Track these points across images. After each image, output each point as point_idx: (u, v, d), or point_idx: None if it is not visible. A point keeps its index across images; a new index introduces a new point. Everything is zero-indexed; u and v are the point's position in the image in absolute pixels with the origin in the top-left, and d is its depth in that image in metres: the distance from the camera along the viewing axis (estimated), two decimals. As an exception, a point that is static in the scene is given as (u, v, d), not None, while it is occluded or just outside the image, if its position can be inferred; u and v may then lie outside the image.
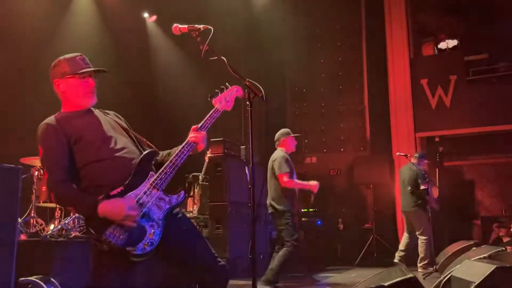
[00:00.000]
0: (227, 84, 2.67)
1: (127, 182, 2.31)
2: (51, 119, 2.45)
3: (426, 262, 6.46)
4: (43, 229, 5.19)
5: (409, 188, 6.70)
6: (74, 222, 5.06)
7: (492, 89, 9.13)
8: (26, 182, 5.42)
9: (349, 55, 10.33)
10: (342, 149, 10.05)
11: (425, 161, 7.18)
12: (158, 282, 4.67)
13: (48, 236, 4.76)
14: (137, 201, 2.26)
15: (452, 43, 9.88)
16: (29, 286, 3.59)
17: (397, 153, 7.52)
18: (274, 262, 5.09)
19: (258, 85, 2.60)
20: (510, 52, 9.17)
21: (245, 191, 6.73)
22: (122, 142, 2.48)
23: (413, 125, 9.39)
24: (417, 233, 6.63)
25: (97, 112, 2.60)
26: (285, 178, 5.11)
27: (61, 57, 2.52)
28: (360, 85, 10.18)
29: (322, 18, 10.09)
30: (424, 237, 6.52)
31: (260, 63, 9.84)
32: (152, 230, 2.26)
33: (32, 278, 3.60)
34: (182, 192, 2.42)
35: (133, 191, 2.30)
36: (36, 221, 5.21)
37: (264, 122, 10.30)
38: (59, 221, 5.29)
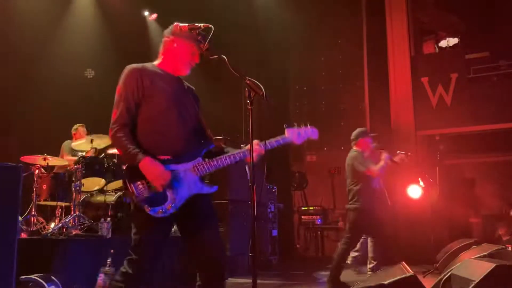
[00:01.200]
0: (308, 124, 2.87)
1: (177, 155, 2.52)
2: (140, 64, 2.61)
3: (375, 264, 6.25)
4: (44, 228, 5.20)
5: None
6: (74, 221, 5.07)
7: (493, 87, 9.11)
8: (27, 180, 5.44)
9: (350, 53, 10.32)
10: (342, 147, 10.04)
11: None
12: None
13: (48, 235, 4.77)
14: (174, 174, 2.47)
15: (453, 41, 9.87)
16: (30, 284, 3.60)
17: (398, 152, 7.50)
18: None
19: (259, 83, 2.60)
20: (510, 50, 9.15)
21: (246, 190, 6.73)
22: (189, 118, 2.64)
23: (413, 123, 9.38)
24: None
25: (181, 80, 2.76)
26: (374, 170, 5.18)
27: (193, 24, 2.63)
28: (360, 83, 10.17)
29: (323, 16, 10.07)
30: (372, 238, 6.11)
31: (260, 61, 9.84)
32: (172, 203, 2.47)
33: (33, 276, 3.61)
34: (216, 186, 2.63)
35: (177, 165, 2.51)
36: (37, 220, 5.22)
37: (264, 121, 10.29)
38: (60, 220, 5.29)
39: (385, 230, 5.44)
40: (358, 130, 5.65)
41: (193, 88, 2.85)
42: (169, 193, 2.46)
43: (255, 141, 2.70)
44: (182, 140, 2.57)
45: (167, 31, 2.72)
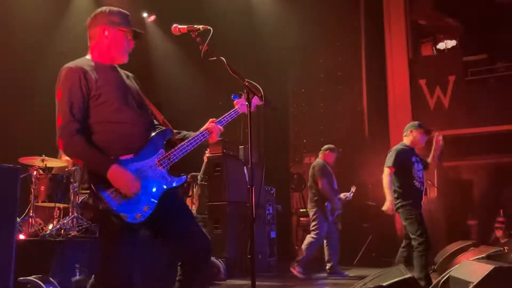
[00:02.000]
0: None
1: (138, 151, 2.36)
2: (75, 63, 2.39)
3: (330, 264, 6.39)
4: (42, 229, 5.19)
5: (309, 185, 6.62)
6: (73, 222, 5.06)
7: (491, 89, 9.14)
8: (25, 181, 5.43)
9: (348, 55, 10.33)
10: (340, 149, 10.05)
11: (330, 153, 6.83)
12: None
13: (46, 236, 4.76)
14: (141, 173, 2.32)
15: (450, 43, 9.90)
16: (28, 286, 3.60)
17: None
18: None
19: (257, 85, 2.60)
20: (508, 52, 9.18)
21: (244, 191, 6.73)
22: (139, 109, 2.49)
23: (411, 126, 9.38)
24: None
25: (120, 71, 2.58)
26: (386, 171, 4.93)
27: (112, 8, 2.52)
28: (359, 85, 10.17)
29: (321, 18, 10.09)
30: (313, 235, 6.41)
31: (259, 64, 9.84)
32: (147, 204, 2.32)
33: (31, 277, 3.61)
34: (184, 176, 2.49)
35: (140, 162, 2.36)
36: (35, 221, 5.21)
37: (263, 122, 10.31)
38: (58, 221, 5.29)
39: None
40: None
41: (130, 73, 2.67)
42: (142, 195, 2.31)
43: (211, 120, 2.67)
44: (139, 135, 2.41)
45: (97, 19, 2.52)
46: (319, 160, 6.79)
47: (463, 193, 9.87)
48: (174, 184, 2.44)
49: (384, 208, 4.88)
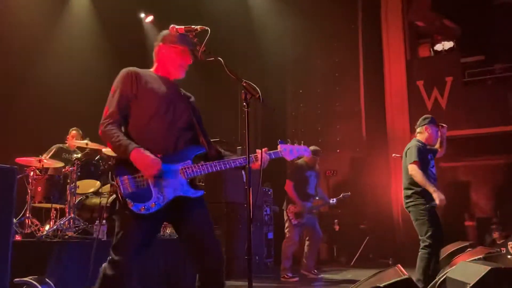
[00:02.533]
0: (302, 142, 2.87)
1: (167, 155, 2.52)
2: (134, 68, 2.65)
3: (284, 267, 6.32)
4: (38, 230, 5.17)
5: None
6: (69, 223, 5.04)
7: (488, 90, 9.17)
8: (22, 182, 5.41)
9: (346, 56, 10.35)
10: (338, 150, 10.07)
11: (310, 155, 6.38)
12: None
13: (43, 237, 4.74)
14: (161, 173, 2.47)
15: (448, 44, 9.93)
16: (24, 287, 3.58)
17: (393, 155, 7.52)
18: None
19: (255, 85, 2.60)
20: (505, 54, 9.22)
21: (241, 192, 6.73)
22: (180, 121, 2.64)
23: (409, 126, 9.42)
24: None
25: (177, 87, 2.78)
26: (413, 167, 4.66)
27: (177, 26, 2.69)
28: (356, 86, 10.19)
29: (319, 20, 10.11)
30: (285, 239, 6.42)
31: (257, 64, 9.85)
32: (156, 201, 2.44)
33: (27, 278, 3.59)
34: (201, 191, 2.60)
35: (164, 164, 2.49)
36: (31, 222, 5.19)
37: (260, 123, 10.31)
38: (55, 222, 5.27)
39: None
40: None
41: (191, 96, 2.87)
42: (154, 191, 2.45)
43: (264, 149, 2.73)
44: (171, 141, 2.58)
45: (159, 38, 2.79)
46: (299, 161, 6.63)
47: (460, 194, 9.90)
48: (189, 194, 2.54)
49: (438, 202, 4.64)
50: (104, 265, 2.50)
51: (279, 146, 2.83)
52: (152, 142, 2.52)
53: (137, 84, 2.58)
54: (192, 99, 2.86)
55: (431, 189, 4.62)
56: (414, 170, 4.67)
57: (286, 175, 6.63)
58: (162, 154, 2.51)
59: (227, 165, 2.64)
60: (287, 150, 2.82)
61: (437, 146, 5.18)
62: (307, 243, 6.59)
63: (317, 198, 6.61)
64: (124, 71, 2.63)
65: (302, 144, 2.86)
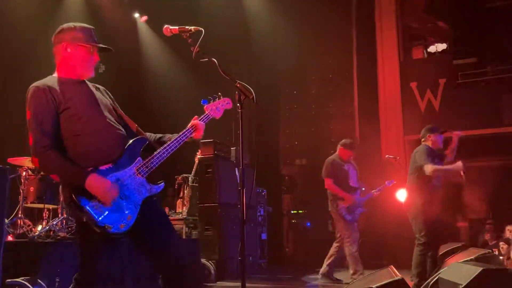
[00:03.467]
0: (219, 94, 2.76)
1: (116, 161, 2.37)
2: (41, 82, 2.41)
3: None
4: (31, 230, 5.14)
5: None
6: (62, 223, 5.02)
7: (481, 92, 9.22)
8: (14, 182, 5.37)
9: (340, 57, 10.38)
10: (332, 151, 10.06)
11: (343, 149, 6.42)
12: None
13: (35, 237, 4.72)
14: (121, 182, 2.33)
15: (441, 46, 9.98)
16: (16, 288, 3.56)
17: (386, 156, 7.55)
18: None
19: (249, 87, 2.60)
20: (498, 56, 9.27)
21: (235, 193, 6.73)
22: (111, 118, 2.48)
23: (402, 128, 9.45)
24: None
25: (89, 84, 2.58)
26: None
27: (75, 23, 2.54)
28: (350, 88, 10.22)
29: (313, 21, 10.13)
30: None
31: (251, 65, 9.85)
32: (129, 213, 2.32)
33: (19, 279, 3.57)
34: (162, 183, 2.50)
35: (119, 171, 2.36)
36: (24, 222, 5.16)
37: (254, 124, 10.32)
38: (47, 222, 5.24)
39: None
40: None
41: (101, 86, 2.68)
42: (124, 204, 2.31)
43: (195, 118, 2.68)
44: (114, 145, 2.41)
45: (58, 37, 2.55)
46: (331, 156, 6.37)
47: (453, 195, 9.95)
48: (153, 191, 2.44)
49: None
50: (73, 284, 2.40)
51: (204, 108, 2.75)
52: (97, 152, 2.35)
53: (53, 97, 2.34)
54: (102, 89, 2.66)
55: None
56: (431, 171, 4.91)
57: (322, 175, 6.25)
58: (111, 163, 2.35)
59: (174, 146, 2.52)
60: (213, 109, 2.74)
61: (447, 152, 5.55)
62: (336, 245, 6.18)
63: (363, 189, 6.31)
64: (37, 89, 2.37)
65: (221, 97, 2.76)
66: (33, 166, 5.54)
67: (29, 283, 3.56)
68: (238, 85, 2.58)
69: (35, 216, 5.65)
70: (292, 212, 9.83)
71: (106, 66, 8.44)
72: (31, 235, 4.90)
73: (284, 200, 10.59)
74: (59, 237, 4.77)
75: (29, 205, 5.45)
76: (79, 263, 2.41)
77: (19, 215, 5.14)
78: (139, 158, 2.45)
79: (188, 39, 2.63)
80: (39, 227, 5.23)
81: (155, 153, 2.48)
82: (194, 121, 2.66)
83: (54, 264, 4.07)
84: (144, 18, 9.73)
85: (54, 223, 4.98)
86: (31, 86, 2.40)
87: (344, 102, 10.25)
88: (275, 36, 9.90)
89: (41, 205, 5.43)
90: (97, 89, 2.60)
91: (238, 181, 6.45)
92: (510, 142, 9.01)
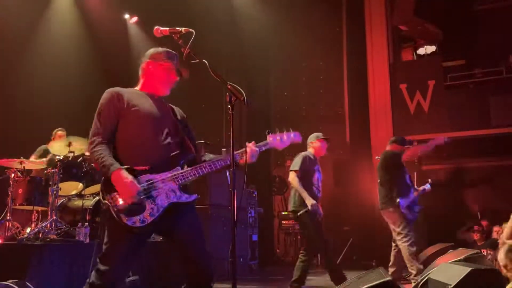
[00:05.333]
0: (291, 129, 2.89)
1: (155, 164, 2.55)
2: (117, 88, 2.70)
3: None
4: (19, 233, 5.09)
5: None
6: (51, 225, 4.98)
7: (469, 94, 9.32)
8: (2, 184, 5.32)
9: (330, 59, 10.42)
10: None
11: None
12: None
13: (24, 240, 4.67)
14: (151, 183, 2.50)
15: (430, 48, 10.08)
16: (4, 291, 3.52)
17: (376, 157, 7.58)
18: None
19: (240, 88, 2.60)
20: (486, 58, 9.38)
21: (226, 194, 6.72)
22: (166, 131, 2.67)
23: (392, 129, 9.51)
24: None
25: (163, 101, 2.82)
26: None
27: (159, 48, 2.83)
28: (340, 89, 10.27)
29: (304, 23, 10.16)
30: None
31: (242, 67, 9.85)
32: (150, 212, 2.46)
33: (8, 282, 3.54)
34: (195, 195, 2.65)
35: (154, 174, 2.54)
36: (12, 224, 5.11)
37: (245, 125, 10.32)
38: (36, 224, 5.19)
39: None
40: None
41: (176, 108, 2.91)
42: (147, 203, 2.46)
43: (252, 143, 2.80)
44: (158, 151, 2.60)
45: (147, 56, 2.82)
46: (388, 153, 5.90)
47: (442, 197, 10.03)
48: (182, 199, 2.58)
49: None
50: (92, 274, 2.50)
51: (268, 137, 2.85)
52: (140, 154, 2.57)
53: (119, 104, 2.62)
54: (178, 110, 2.92)
55: None
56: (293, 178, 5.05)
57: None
58: (149, 166, 2.54)
59: (215, 166, 2.67)
60: (277, 140, 2.84)
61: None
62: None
63: (416, 187, 5.92)
64: (107, 92, 2.67)
65: (290, 130, 2.86)
66: (22, 168, 5.50)
67: (17, 286, 3.53)
68: (229, 87, 2.58)
69: (24, 218, 5.59)
70: (282, 213, 9.84)
71: (94, 67, 8.40)
72: (19, 237, 4.85)
73: (275, 201, 10.60)
74: (48, 239, 4.73)
75: (17, 207, 5.40)
76: (102, 252, 2.52)
77: (8, 217, 5.09)
78: (178, 167, 2.62)
79: (179, 40, 2.63)
80: (28, 229, 5.18)
81: (195, 166, 2.64)
82: (249, 144, 2.78)
83: (43, 267, 4.04)
84: (135, 19, 9.69)
85: (43, 225, 4.94)
86: (109, 89, 2.70)
87: (335, 103, 10.30)
88: (266, 38, 9.92)
89: (30, 207, 5.38)
90: (170, 107, 2.85)
91: (229, 183, 6.43)
92: (498, 144, 9.12)
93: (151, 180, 2.51)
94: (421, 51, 10.16)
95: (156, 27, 2.70)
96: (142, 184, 2.48)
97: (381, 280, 2.88)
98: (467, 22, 9.56)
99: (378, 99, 9.72)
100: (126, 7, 9.65)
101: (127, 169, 2.48)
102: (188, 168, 2.63)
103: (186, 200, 2.59)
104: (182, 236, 2.60)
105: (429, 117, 9.35)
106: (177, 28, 2.65)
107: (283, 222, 9.77)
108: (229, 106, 2.61)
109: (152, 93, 2.79)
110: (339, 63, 10.34)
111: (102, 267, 2.46)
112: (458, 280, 3.22)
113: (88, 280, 2.50)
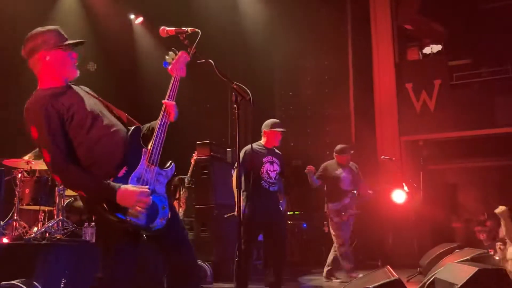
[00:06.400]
0: (174, 49, 2.67)
1: (128, 161, 2.32)
2: (34, 99, 2.30)
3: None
4: (26, 232, 5.12)
5: None
6: (58, 225, 5.00)
7: (475, 93, 9.27)
8: (9, 184, 5.35)
9: (335, 59, 10.39)
10: (327, 152, 10.09)
11: (338, 155, 6.84)
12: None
13: (31, 239, 4.69)
14: (142, 180, 2.31)
15: (436, 48, 10.03)
16: (11, 290, 3.54)
17: (382, 157, 7.58)
18: None
19: (245, 88, 2.60)
20: (492, 58, 9.33)
21: (231, 194, 6.71)
22: (108, 118, 2.43)
23: (397, 129, 9.48)
24: None
25: (75, 87, 2.47)
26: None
27: (42, 28, 2.42)
28: (346, 89, 10.24)
29: (308, 22, 10.15)
30: None
31: (247, 66, 9.85)
32: (163, 204, 2.36)
33: (15, 281, 3.56)
34: (173, 164, 2.49)
35: (136, 170, 2.32)
36: (19, 224, 5.13)
37: (250, 125, 10.30)
38: (43, 224, 5.22)
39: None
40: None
41: (83, 86, 2.58)
42: (154, 199, 2.31)
43: (163, 102, 2.58)
44: (121, 144, 2.36)
45: (32, 48, 2.43)
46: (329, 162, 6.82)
47: (448, 196, 9.99)
48: (169, 174, 2.45)
49: None
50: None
51: (169, 70, 2.67)
52: (109, 157, 2.31)
53: (55, 110, 2.25)
54: (87, 89, 2.57)
55: None
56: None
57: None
58: (125, 165, 2.31)
59: (163, 128, 2.49)
60: (178, 69, 2.64)
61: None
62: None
63: (354, 192, 6.54)
64: (30, 108, 2.28)
65: (177, 52, 2.65)
66: (29, 168, 5.53)
67: (24, 285, 3.55)
68: (234, 86, 2.58)
69: (30, 218, 5.62)
70: (288, 213, 9.82)
71: (100, 67, 8.41)
72: (26, 237, 4.88)
73: (280, 202, 10.58)
74: (54, 239, 4.75)
75: (24, 207, 5.43)
76: (103, 268, 2.35)
77: (15, 217, 5.12)
78: (143, 149, 2.40)
79: (185, 40, 2.63)
80: (35, 229, 5.20)
81: (153, 138, 2.43)
82: (164, 104, 2.56)
83: (49, 266, 4.05)
84: (140, 20, 9.71)
85: (50, 225, 4.96)
86: (26, 105, 2.30)
87: (340, 103, 10.27)
88: (271, 37, 9.92)
89: (36, 207, 5.41)
90: (83, 89, 2.52)
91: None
92: (505, 143, 9.07)
93: (139, 177, 2.32)
94: (427, 50, 10.10)
95: (162, 27, 2.69)
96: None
97: (388, 280, 2.88)
98: (473, 21, 9.50)
99: (384, 99, 9.69)
100: (132, 7, 9.68)
101: (113, 181, 2.23)
102: (151, 145, 2.40)
103: (172, 173, 2.47)
104: (170, 230, 2.44)
105: (435, 117, 9.31)
106: (183, 28, 2.64)
107: (288, 222, 9.75)
108: (234, 105, 2.61)
109: (60, 85, 2.41)
110: (344, 63, 10.31)
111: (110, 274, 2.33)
112: (465, 280, 3.21)
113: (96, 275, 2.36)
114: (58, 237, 4.82)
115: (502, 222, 5.15)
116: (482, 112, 9.00)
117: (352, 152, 6.63)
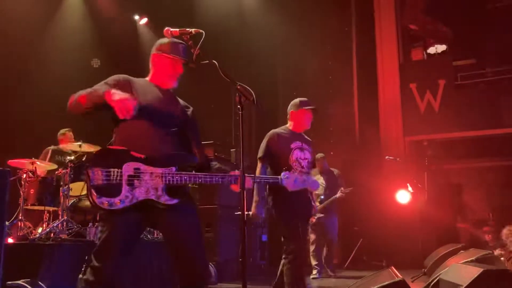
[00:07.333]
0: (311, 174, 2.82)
1: (151, 156, 2.48)
2: (127, 76, 2.69)
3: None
4: (31, 232, 5.14)
5: None
6: (62, 225, 5.02)
7: (480, 94, 9.24)
8: (14, 184, 5.37)
9: (339, 59, 10.37)
10: (331, 152, 10.08)
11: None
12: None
13: (36, 239, 4.71)
14: (138, 173, 2.44)
15: (441, 48, 10.00)
16: (16, 290, 3.56)
17: (386, 157, 7.56)
18: None
19: (249, 89, 2.60)
20: (497, 58, 9.29)
21: (235, 195, 6.70)
22: (169, 127, 2.63)
23: (402, 129, 9.46)
24: None
25: (171, 94, 2.80)
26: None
27: (165, 39, 2.76)
28: (350, 89, 10.22)
29: (312, 23, 10.13)
30: None
31: (251, 67, 9.85)
32: (122, 199, 2.39)
33: (20, 281, 3.57)
34: (176, 200, 2.50)
35: (145, 166, 2.46)
36: (24, 224, 5.15)
37: (254, 126, 10.31)
38: (48, 224, 5.24)
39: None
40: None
41: (189, 106, 2.87)
42: (124, 189, 2.39)
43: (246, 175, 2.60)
44: (157, 145, 2.55)
45: (153, 48, 2.81)
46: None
47: (453, 197, 9.95)
48: (161, 200, 2.46)
49: None
50: (86, 270, 2.48)
51: (282, 174, 2.80)
52: (138, 143, 2.51)
53: (123, 88, 2.56)
54: (190, 109, 2.87)
55: None
56: None
57: None
58: (145, 155, 2.48)
59: (210, 180, 2.60)
60: (291, 180, 2.82)
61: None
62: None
63: (322, 197, 7.06)
64: (115, 75, 2.66)
65: (310, 176, 2.75)
66: (33, 169, 5.54)
67: (29, 285, 3.56)
68: (238, 87, 2.58)
69: (35, 218, 5.64)
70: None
71: (104, 67, 8.45)
72: (31, 237, 4.90)
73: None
74: (59, 239, 4.77)
75: (29, 207, 5.45)
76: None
77: (20, 218, 5.14)
78: (173, 168, 2.52)
79: (189, 41, 2.64)
80: (40, 229, 5.22)
81: (190, 173, 2.56)
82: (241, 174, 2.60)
83: (54, 266, 4.07)
84: (145, 20, 9.73)
85: (55, 225, 4.98)
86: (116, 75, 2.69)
87: (344, 103, 10.25)
88: (274, 38, 9.91)
89: (41, 207, 5.42)
90: (181, 104, 2.83)
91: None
92: (510, 143, 9.03)
93: (140, 169, 2.45)
94: (431, 50, 10.07)
95: (166, 28, 2.71)
96: (129, 172, 2.42)
97: (393, 280, 2.87)
98: (478, 21, 9.47)
99: (388, 99, 9.67)
100: (136, 8, 9.70)
101: (122, 152, 2.45)
102: (182, 172, 2.53)
103: (165, 202, 2.47)
104: (171, 236, 2.57)
105: (439, 117, 9.28)
106: (187, 29, 2.64)
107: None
108: (238, 106, 2.61)
109: (160, 84, 2.77)
110: (348, 63, 10.29)
111: (96, 264, 2.44)
112: (469, 281, 3.19)
113: (81, 276, 2.47)
114: (62, 237, 4.83)
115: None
116: (487, 112, 8.96)
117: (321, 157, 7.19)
